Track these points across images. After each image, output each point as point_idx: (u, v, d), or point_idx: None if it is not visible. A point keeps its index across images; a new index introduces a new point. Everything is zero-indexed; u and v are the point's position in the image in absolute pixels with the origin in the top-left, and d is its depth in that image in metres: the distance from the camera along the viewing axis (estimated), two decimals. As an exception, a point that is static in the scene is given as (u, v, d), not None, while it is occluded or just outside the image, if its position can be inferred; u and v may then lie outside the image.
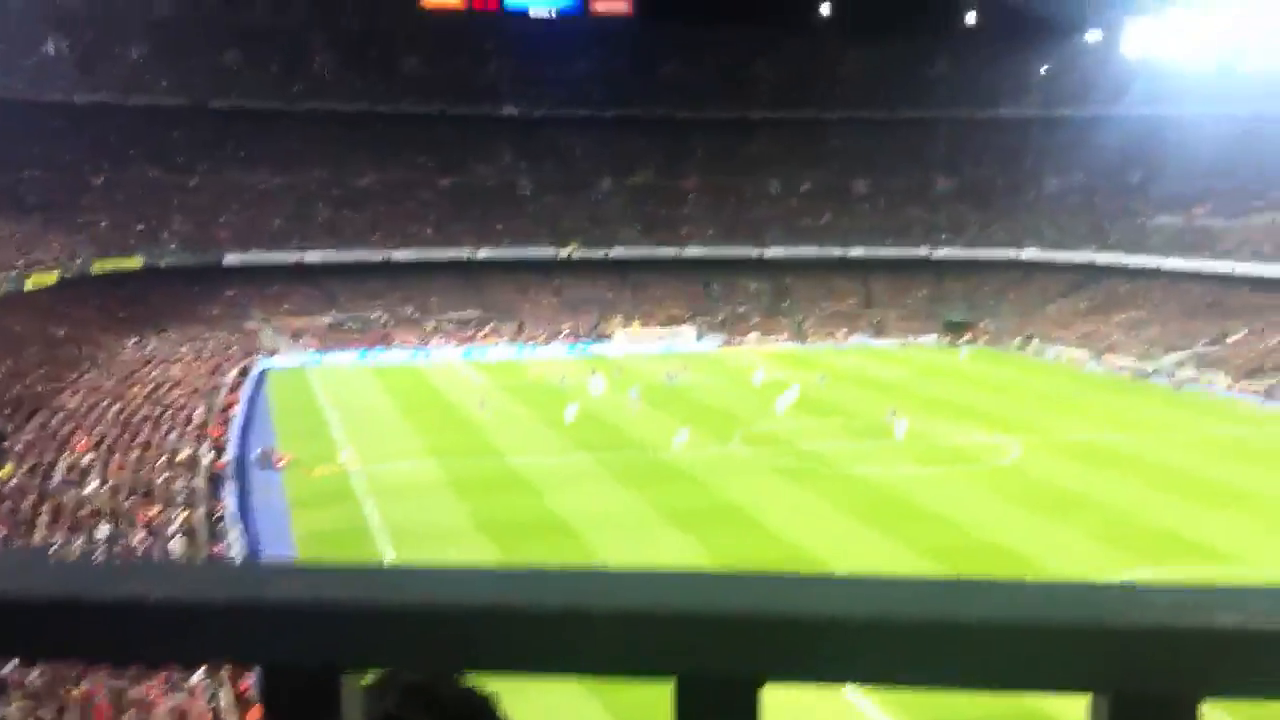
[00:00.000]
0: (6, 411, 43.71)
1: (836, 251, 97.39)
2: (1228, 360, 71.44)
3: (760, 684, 0.97)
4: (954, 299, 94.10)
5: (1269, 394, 63.85)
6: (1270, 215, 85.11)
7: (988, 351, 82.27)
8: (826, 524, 38.27)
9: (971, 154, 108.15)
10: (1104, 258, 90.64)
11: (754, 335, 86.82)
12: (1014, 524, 37.99)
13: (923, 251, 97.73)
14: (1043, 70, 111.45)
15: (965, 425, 54.44)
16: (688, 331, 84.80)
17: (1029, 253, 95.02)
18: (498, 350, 79.98)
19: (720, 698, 0.97)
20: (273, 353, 74.58)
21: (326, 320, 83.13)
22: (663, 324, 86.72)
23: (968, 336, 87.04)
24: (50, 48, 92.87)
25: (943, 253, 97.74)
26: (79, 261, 71.30)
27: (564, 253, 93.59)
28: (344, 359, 75.76)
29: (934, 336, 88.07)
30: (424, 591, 1.01)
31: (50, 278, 65.32)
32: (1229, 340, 74.65)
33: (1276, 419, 58.65)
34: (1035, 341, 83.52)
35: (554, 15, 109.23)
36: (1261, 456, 49.00)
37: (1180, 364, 72.59)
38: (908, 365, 75.54)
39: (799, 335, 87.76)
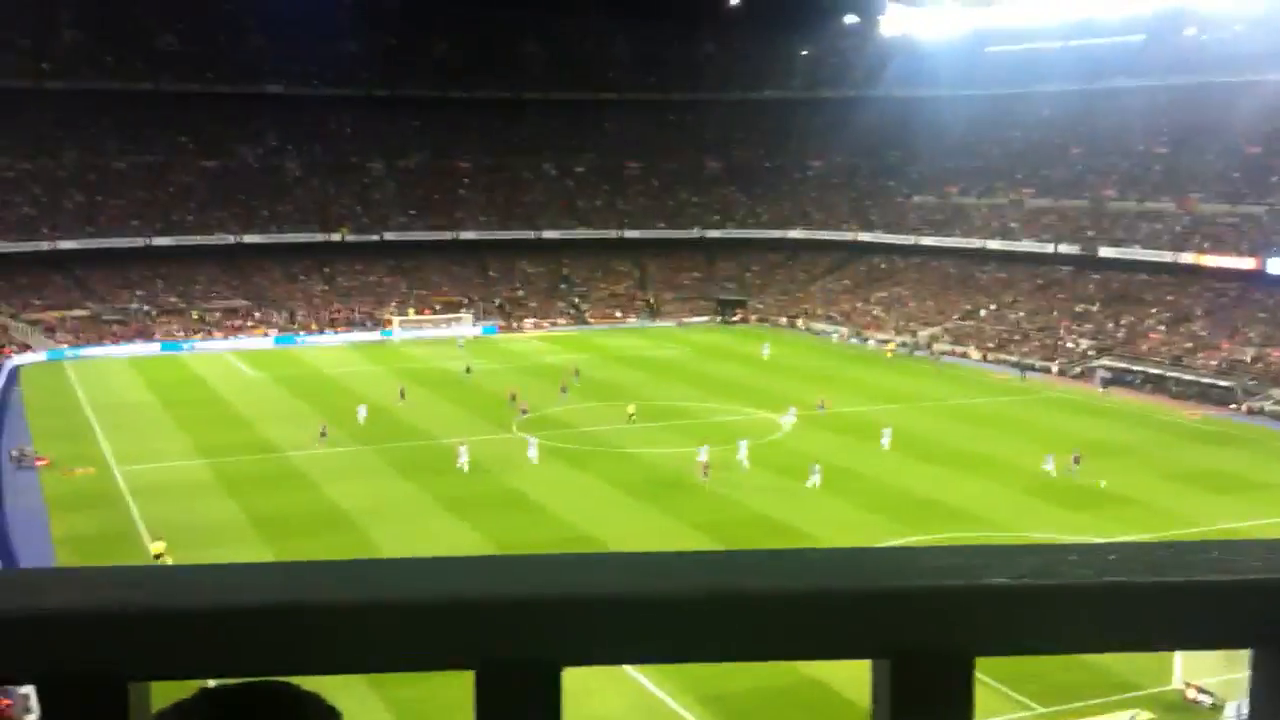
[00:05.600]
0: None
1: (612, 234, 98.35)
2: (980, 333, 75.59)
3: (559, 668, 0.98)
4: (725, 279, 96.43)
5: (1020, 366, 67.91)
6: (1014, 194, 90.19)
7: (761, 331, 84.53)
8: (604, 504, 38.85)
9: (739, 136, 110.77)
10: (864, 237, 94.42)
11: (532, 320, 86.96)
12: (786, 497, 39.36)
13: (694, 233, 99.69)
14: (804, 53, 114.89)
15: (737, 402, 56.01)
16: (466, 318, 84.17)
17: (795, 233, 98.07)
18: (268, 340, 77.66)
19: (521, 684, 0.97)
20: (24, 348, 70.50)
21: (82, 312, 79.04)
22: (440, 310, 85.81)
23: (738, 315, 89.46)
24: None
25: (713, 234, 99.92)
26: None
27: (334, 237, 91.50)
28: (102, 353, 72.25)
29: (707, 317, 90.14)
30: (207, 591, 0.97)
31: None
32: (981, 314, 78.94)
33: (1026, 389, 62.45)
34: (802, 320, 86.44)
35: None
36: (1013, 425, 52.16)
37: (935, 338, 76.42)
38: (685, 345, 77.05)
39: (578, 318, 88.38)
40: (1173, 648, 1.04)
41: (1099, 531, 35.04)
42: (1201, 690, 24.24)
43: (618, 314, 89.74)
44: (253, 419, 53.12)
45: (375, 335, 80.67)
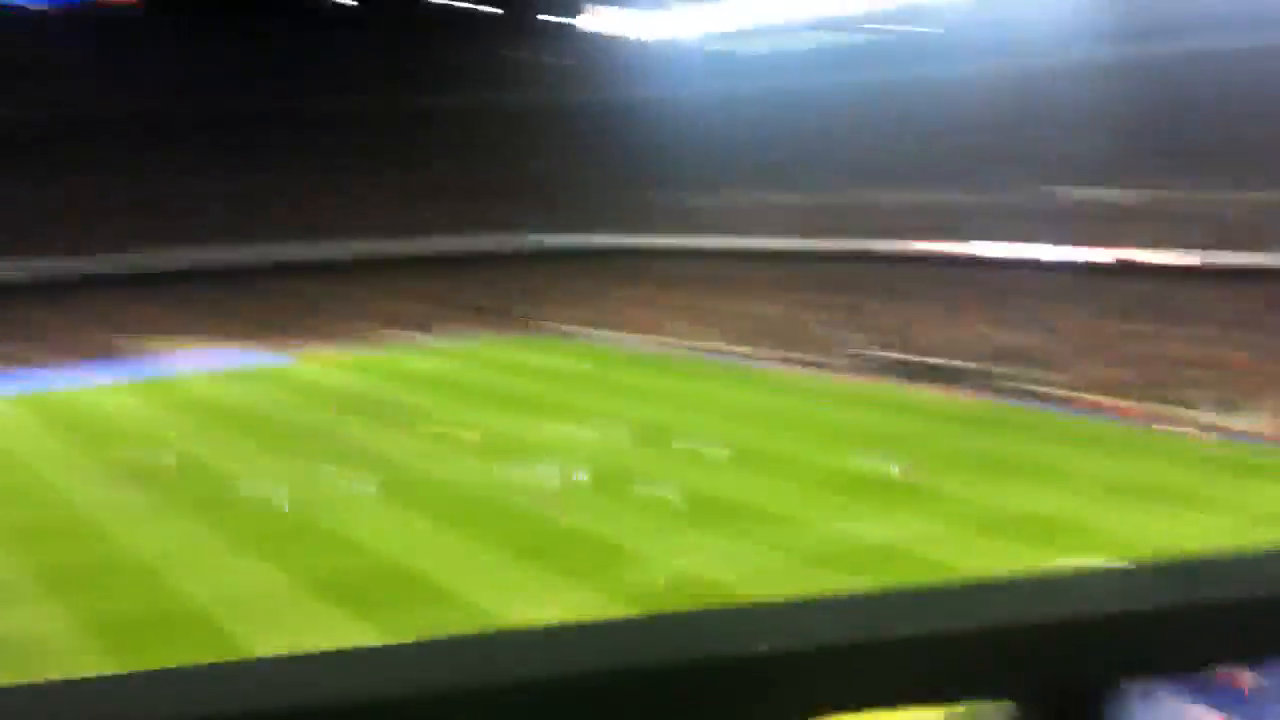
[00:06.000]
0: None
1: (390, 250, 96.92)
2: (749, 331, 77.29)
3: None
4: (501, 292, 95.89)
5: (791, 360, 70.26)
6: (758, 191, 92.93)
7: (546, 342, 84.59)
8: (423, 534, 38.54)
9: (493, 143, 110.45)
10: (631, 241, 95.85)
11: (316, 345, 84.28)
12: (610, 513, 39.66)
13: (460, 244, 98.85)
14: (545, 58, 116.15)
15: (528, 417, 56.14)
16: (247, 344, 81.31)
17: (556, 240, 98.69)
18: (32, 378, 73.05)
19: None
20: None
21: None
22: (216, 337, 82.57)
23: (522, 327, 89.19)
24: None
25: (487, 243, 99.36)
26: None
27: (92, 265, 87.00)
28: None
29: (487, 331, 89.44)
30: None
31: None
32: (754, 312, 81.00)
33: (800, 386, 64.54)
34: (585, 328, 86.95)
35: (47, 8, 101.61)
36: (804, 421, 54.01)
37: (713, 339, 78.00)
38: (476, 361, 76.40)
39: (367, 341, 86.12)
40: (933, 704, 0.98)
41: (897, 524, 37.09)
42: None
43: (390, 332, 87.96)
44: (27, 466, 50.10)
45: (153, 370, 76.79)
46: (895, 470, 43.50)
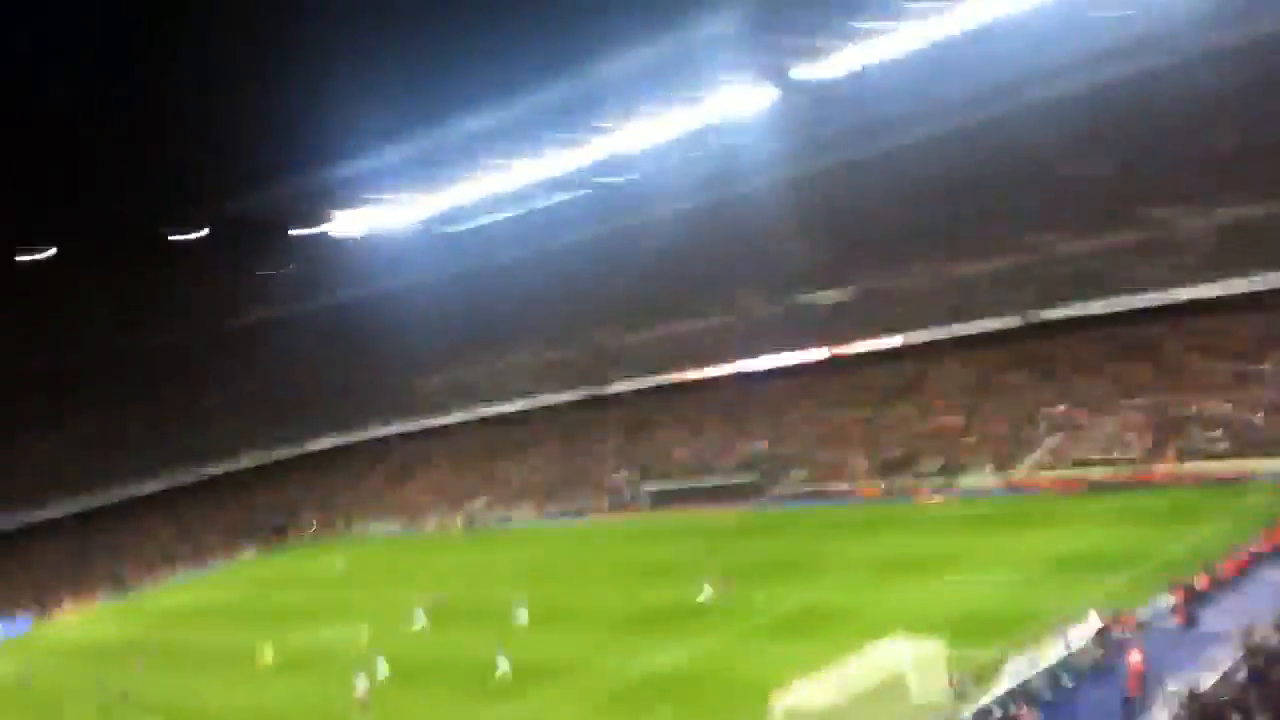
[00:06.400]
0: None
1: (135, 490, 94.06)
2: (527, 491, 79.08)
3: None
4: (266, 505, 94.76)
5: (565, 510, 72.08)
6: (514, 355, 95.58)
7: (321, 546, 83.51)
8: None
9: (227, 363, 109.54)
10: (388, 430, 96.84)
11: (68, 601, 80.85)
12: (404, 704, 39.86)
13: (216, 469, 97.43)
14: (282, 270, 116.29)
15: (318, 624, 55.54)
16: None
17: (323, 443, 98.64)
18: None
19: None
20: None
21: None
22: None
23: (293, 535, 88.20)
24: None
25: (241, 463, 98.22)
26: None
27: None
28: None
29: (254, 547, 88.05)
30: None
31: None
32: (522, 472, 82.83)
33: (573, 531, 66.04)
34: (357, 523, 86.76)
35: None
36: (600, 565, 55.68)
37: (487, 507, 79.32)
38: (247, 583, 74.69)
39: (122, 585, 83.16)
40: None
41: (689, 647, 38.79)
42: None
43: (167, 569, 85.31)
44: None
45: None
46: (685, 595, 45.17)
